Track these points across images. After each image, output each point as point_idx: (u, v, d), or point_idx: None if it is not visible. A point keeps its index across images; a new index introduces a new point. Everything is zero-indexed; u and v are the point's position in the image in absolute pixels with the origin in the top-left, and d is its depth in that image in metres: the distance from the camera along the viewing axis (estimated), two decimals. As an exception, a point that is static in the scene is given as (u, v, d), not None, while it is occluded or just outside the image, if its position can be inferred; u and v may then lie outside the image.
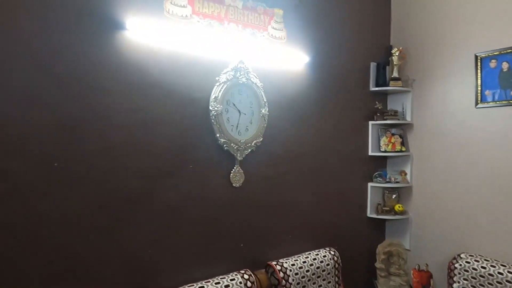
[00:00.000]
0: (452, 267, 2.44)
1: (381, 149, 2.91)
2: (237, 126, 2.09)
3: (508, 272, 2.18)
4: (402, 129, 2.96)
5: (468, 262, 2.37)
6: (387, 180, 2.94)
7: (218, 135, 2.01)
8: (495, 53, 2.40)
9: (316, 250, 2.44)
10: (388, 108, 3.05)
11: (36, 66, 1.49)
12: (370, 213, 2.92)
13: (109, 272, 1.70)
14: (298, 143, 2.46)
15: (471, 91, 2.54)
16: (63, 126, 1.56)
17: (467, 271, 2.36)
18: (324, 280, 2.33)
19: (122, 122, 1.72)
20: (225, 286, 1.91)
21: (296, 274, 2.21)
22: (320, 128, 2.60)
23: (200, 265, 2.00)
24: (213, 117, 1.98)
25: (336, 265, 2.43)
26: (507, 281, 2.17)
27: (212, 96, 1.99)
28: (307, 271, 2.26)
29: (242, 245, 2.18)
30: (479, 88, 2.49)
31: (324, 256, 2.40)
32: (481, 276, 2.29)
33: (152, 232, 1.83)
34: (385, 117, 2.89)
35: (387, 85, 2.89)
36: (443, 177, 2.71)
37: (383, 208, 2.91)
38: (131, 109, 1.74)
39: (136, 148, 1.76)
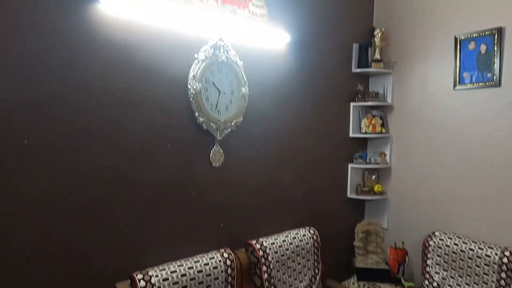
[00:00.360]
0: (427, 244, 2.52)
1: (362, 131, 2.94)
2: (216, 105, 2.06)
3: (479, 248, 2.27)
4: (382, 111, 2.99)
5: (442, 240, 2.45)
6: (367, 161, 2.99)
7: (197, 114, 1.98)
8: (473, 35, 2.42)
9: (296, 229, 2.48)
10: (370, 90, 3.07)
11: (5, 42, 1.42)
12: (350, 194, 2.97)
13: (89, 251, 1.69)
14: (279, 123, 2.46)
15: (450, 73, 2.57)
16: (35, 102, 1.50)
17: (440, 248, 2.44)
18: (303, 258, 2.38)
19: (97, 101, 1.67)
20: (204, 264, 1.92)
21: (276, 252, 2.24)
22: (302, 108, 2.59)
23: (181, 244, 2.01)
24: (192, 95, 1.95)
25: (316, 244, 2.47)
26: (477, 256, 2.26)
27: (191, 74, 1.95)
28: (287, 249, 2.30)
29: (222, 224, 2.19)
30: (458, 70, 2.52)
31: (304, 235, 2.44)
32: (453, 252, 2.38)
33: (132, 211, 1.82)
34: (366, 99, 2.91)
35: (369, 67, 2.90)
36: (421, 158, 2.77)
37: (363, 189, 2.97)
38: (106, 87, 1.69)
39: (112, 127, 1.72)
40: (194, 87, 1.94)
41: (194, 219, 2.06)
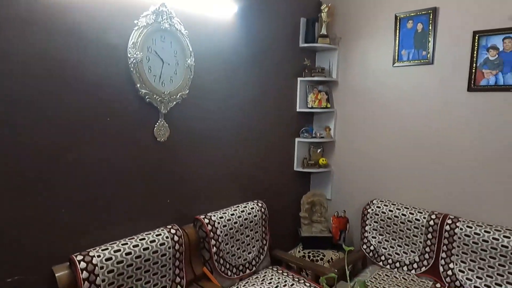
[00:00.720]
0: (366, 211, 2.71)
1: (308, 106, 3.00)
2: (160, 77, 1.95)
3: (410, 213, 2.49)
4: (328, 86, 3.07)
5: (379, 207, 2.65)
6: (313, 135, 3.07)
7: (138, 85, 1.85)
8: (411, 14, 2.54)
9: (245, 203, 2.51)
10: (316, 65, 3.12)
11: None
12: (297, 167, 3.06)
13: (21, 234, 1.53)
14: (227, 97, 2.41)
15: (390, 50, 2.69)
16: None
17: (377, 214, 2.64)
18: (251, 230, 2.42)
19: (28, 71, 1.48)
20: (150, 241, 1.87)
21: (224, 226, 2.25)
22: (250, 82, 2.56)
23: (125, 223, 1.92)
24: (132, 65, 1.81)
25: (264, 216, 2.53)
26: (408, 221, 2.48)
27: (131, 42, 1.80)
28: (235, 223, 2.32)
29: (168, 201, 2.13)
30: (397, 48, 2.64)
31: (252, 208, 2.47)
32: (388, 218, 2.58)
33: (70, 190, 1.68)
34: (313, 74, 2.96)
35: (316, 42, 2.93)
36: (362, 132, 2.92)
37: (309, 162, 3.07)
38: (38, 57, 1.50)
39: (44, 98, 1.54)
40: (135, 56, 1.81)
41: (138, 196, 1.98)
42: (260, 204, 2.54)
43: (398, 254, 2.52)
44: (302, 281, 2.26)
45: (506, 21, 2.16)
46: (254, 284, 2.23)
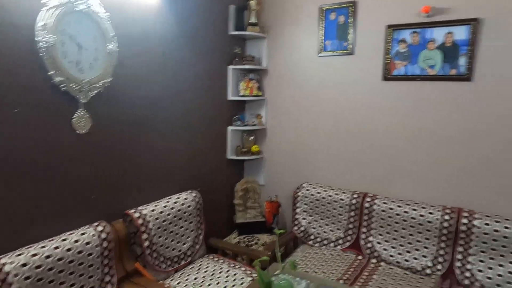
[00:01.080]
0: (296, 195, 2.85)
1: (240, 94, 3.02)
2: (77, 63, 1.78)
3: (335, 194, 2.68)
4: (259, 75, 3.11)
5: (308, 190, 2.80)
6: (245, 123, 3.11)
7: (52, 72, 1.68)
8: (334, 6, 2.68)
9: (178, 194, 2.46)
10: (247, 53, 3.14)
11: None
12: (230, 155, 3.08)
13: None
14: (155, 85, 2.31)
15: (315, 40, 2.82)
16: None
17: (306, 197, 2.79)
18: (185, 221, 2.39)
19: None
20: (74, 241, 1.74)
21: (157, 219, 2.19)
22: (179, 70, 2.48)
23: (44, 224, 1.75)
24: (44, 50, 1.63)
25: (198, 206, 2.51)
26: (334, 201, 2.67)
27: (40, 23, 1.61)
28: (168, 215, 2.27)
29: (93, 196, 1.99)
30: (322, 38, 2.78)
31: (186, 199, 2.44)
32: (316, 200, 2.75)
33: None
34: (244, 62, 2.97)
35: (245, 30, 2.94)
36: (292, 119, 3.03)
37: (242, 150, 3.11)
38: None
39: None
40: (47, 39, 1.62)
41: (58, 194, 1.81)
42: (194, 194, 2.51)
43: (326, 233, 2.71)
44: (238, 266, 2.31)
45: (414, 17, 2.39)
46: (189, 274, 2.23)
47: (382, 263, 2.43)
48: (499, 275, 2.08)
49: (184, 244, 2.36)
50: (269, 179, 3.23)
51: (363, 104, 2.67)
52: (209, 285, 2.11)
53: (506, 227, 2.08)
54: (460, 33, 2.25)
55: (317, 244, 2.72)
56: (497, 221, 2.12)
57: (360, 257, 2.51)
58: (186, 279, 2.18)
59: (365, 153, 2.71)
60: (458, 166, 2.36)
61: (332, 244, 2.67)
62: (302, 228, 2.80)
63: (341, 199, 2.64)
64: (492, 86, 2.21)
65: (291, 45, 2.94)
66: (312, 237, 2.76)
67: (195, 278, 2.18)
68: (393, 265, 2.40)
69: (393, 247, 2.43)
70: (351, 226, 2.61)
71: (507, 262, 2.08)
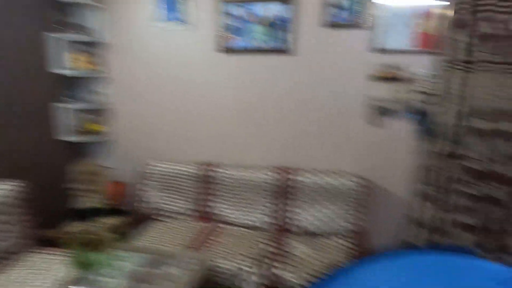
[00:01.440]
0: (144, 173, 2.76)
1: (68, 67, 2.68)
2: None
3: (182, 168, 2.71)
4: (96, 47, 2.82)
5: (155, 166, 2.75)
6: (81, 101, 2.80)
7: None
8: (169, -24, 2.60)
9: (-11, 186, 2.07)
10: (77, 22, 2.78)
11: None
12: (64, 137, 2.75)
13: None
14: None
15: (153, 12, 2.68)
16: None
17: (154, 174, 2.74)
18: (3, 215, 2.04)
19: None
20: None
21: (-45, 217, 1.80)
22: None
23: None
24: None
25: (19, 196, 2.17)
26: (181, 174, 2.70)
27: None
28: (-26, 210, 1.89)
29: None
30: (158, 9, 2.67)
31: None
32: (165, 175, 2.73)
33: None
34: (72, 32, 2.63)
35: (70, -5, 2.60)
36: (138, 96, 2.87)
37: (80, 130, 2.81)
38: None
39: None
40: None
41: None
42: (12, 184, 2.15)
43: (177, 206, 2.73)
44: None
45: (242, -7, 2.52)
46: (10, 275, 1.93)
47: (227, 226, 2.60)
48: (314, 217, 2.49)
49: (5, 241, 2.02)
50: (117, 160, 3.02)
51: (205, 76, 2.72)
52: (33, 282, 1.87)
53: (322, 179, 2.47)
54: (281, 10, 2.48)
55: (169, 220, 2.72)
56: (314, 175, 2.50)
57: (208, 224, 2.62)
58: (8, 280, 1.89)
59: (207, 126, 2.80)
60: (285, 132, 2.67)
61: (182, 217, 2.71)
62: (153, 205, 2.75)
63: (187, 172, 2.68)
64: (310, 59, 2.53)
65: (131, 17, 2.74)
66: (162, 212, 2.74)
67: (18, 277, 1.91)
68: (236, 226, 2.59)
69: (237, 210, 2.62)
70: (199, 196, 2.69)
71: (320, 206, 2.49)
